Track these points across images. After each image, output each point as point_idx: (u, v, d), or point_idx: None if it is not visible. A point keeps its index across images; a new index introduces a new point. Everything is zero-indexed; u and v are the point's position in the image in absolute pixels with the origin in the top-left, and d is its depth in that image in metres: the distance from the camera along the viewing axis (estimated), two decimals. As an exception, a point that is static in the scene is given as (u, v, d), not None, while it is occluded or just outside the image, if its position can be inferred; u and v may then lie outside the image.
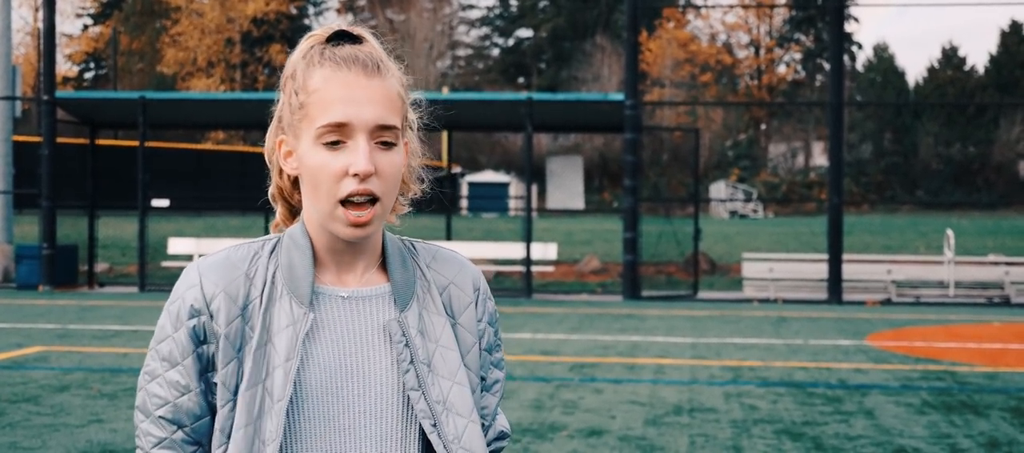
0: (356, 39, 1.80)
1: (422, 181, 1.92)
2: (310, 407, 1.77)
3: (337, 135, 1.73)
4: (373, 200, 1.75)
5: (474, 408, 1.84)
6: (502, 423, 1.98)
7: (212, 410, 1.81)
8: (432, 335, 1.83)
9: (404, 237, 1.92)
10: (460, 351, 1.86)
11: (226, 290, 1.78)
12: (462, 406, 1.82)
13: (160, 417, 1.80)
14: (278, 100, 1.85)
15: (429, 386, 1.80)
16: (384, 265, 1.86)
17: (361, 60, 1.76)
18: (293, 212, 1.90)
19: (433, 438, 1.79)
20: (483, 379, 1.93)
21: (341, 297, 1.81)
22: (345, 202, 1.74)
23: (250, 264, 1.81)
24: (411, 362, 1.79)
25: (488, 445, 1.96)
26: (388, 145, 1.76)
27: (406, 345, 1.80)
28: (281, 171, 1.86)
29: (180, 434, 1.80)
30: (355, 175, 1.72)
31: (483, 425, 1.94)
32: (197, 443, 1.82)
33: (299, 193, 1.85)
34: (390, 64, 1.81)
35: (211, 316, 1.78)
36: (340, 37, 1.80)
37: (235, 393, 1.77)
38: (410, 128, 1.86)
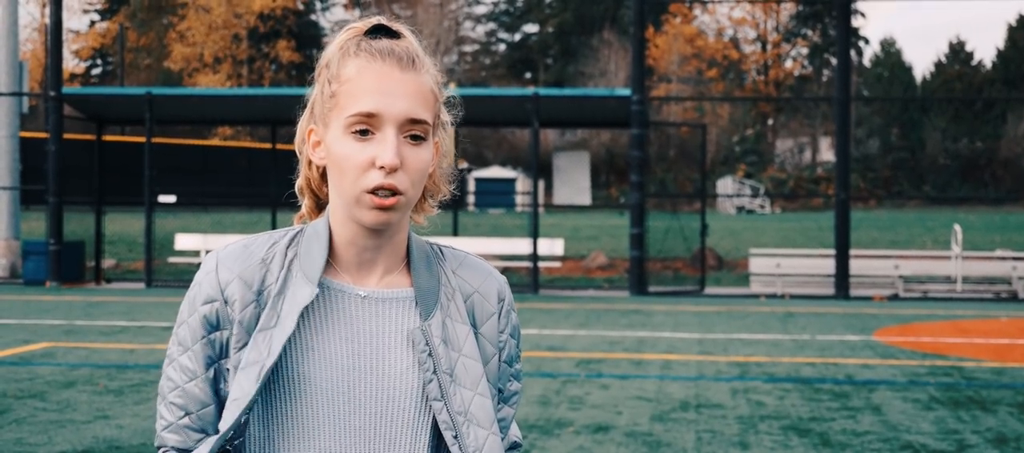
0: (394, 34, 1.79)
1: (453, 182, 1.91)
2: (319, 403, 1.76)
3: (366, 125, 1.72)
4: (397, 193, 1.74)
5: (494, 419, 1.83)
6: (515, 433, 1.98)
7: (218, 399, 1.81)
8: (455, 344, 1.82)
9: (431, 241, 1.91)
10: (481, 361, 1.85)
11: (241, 276, 1.78)
12: (483, 417, 1.81)
13: (171, 401, 1.82)
14: (312, 90, 1.84)
15: (451, 396, 1.79)
16: (408, 268, 1.85)
17: (397, 53, 1.75)
18: (320, 205, 1.89)
19: (454, 450, 1.78)
20: (501, 391, 1.92)
21: (359, 296, 1.80)
22: (370, 192, 1.73)
23: (267, 251, 1.81)
24: (434, 372, 1.78)
25: None
26: (417, 139, 1.75)
27: (430, 355, 1.78)
28: (310, 162, 1.85)
29: (186, 420, 1.81)
30: (381, 167, 1.71)
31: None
32: (202, 431, 1.81)
33: (326, 185, 1.85)
34: (426, 61, 1.79)
35: (226, 302, 1.78)
36: (378, 31, 1.79)
37: None
38: (442, 128, 1.85)
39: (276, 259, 1.80)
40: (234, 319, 1.78)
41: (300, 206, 1.92)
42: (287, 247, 1.82)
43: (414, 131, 1.74)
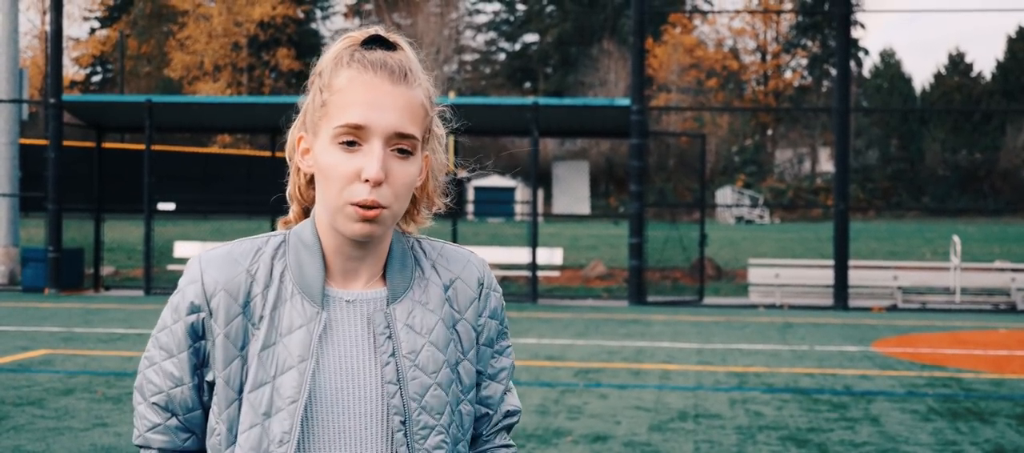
0: (391, 46, 1.79)
1: (447, 195, 1.91)
2: (312, 409, 1.77)
3: (353, 136, 1.72)
4: (380, 207, 1.74)
5: (444, 411, 1.82)
6: (511, 403, 1.98)
7: (203, 405, 1.82)
8: (422, 330, 1.82)
9: (414, 236, 1.91)
10: (462, 348, 1.86)
11: (226, 288, 1.78)
12: (436, 405, 1.81)
13: (154, 403, 1.83)
14: (305, 97, 1.84)
15: (408, 381, 1.79)
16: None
17: (389, 66, 1.75)
18: (307, 212, 1.90)
19: (398, 435, 1.77)
20: (481, 373, 1.92)
21: (345, 301, 1.81)
22: (353, 204, 1.74)
23: (252, 260, 1.81)
24: (392, 355, 1.79)
25: (497, 424, 1.96)
26: (404, 153, 1.75)
27: (389, 338, 1.79)
28: (298, 169, 1.86)
29: (174, 421, 1.83)
30: (366, 181, 1.72)
31: (487, 414, 1.94)
32: (190, 431, 1.84)
33: (312, 191, 1.85)
34: (420, 75, 1.79)
35: (210, 313, 1.78)
36: (375, 41, 1.79)
37: (240, 392, 1.77)
38: (437, 141, 1.85)
39: (261, 270, 1.80)
40: (218, 332, 1.78)
41: (288, 211, 1.92)
42: (273, 256, 1.82)
43: (401, 145, 1.74)
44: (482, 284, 1.91)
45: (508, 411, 1.98)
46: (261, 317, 1.78)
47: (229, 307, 1.78)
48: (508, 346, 1.98)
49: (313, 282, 1.78)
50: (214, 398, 1.79)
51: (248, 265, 1.80)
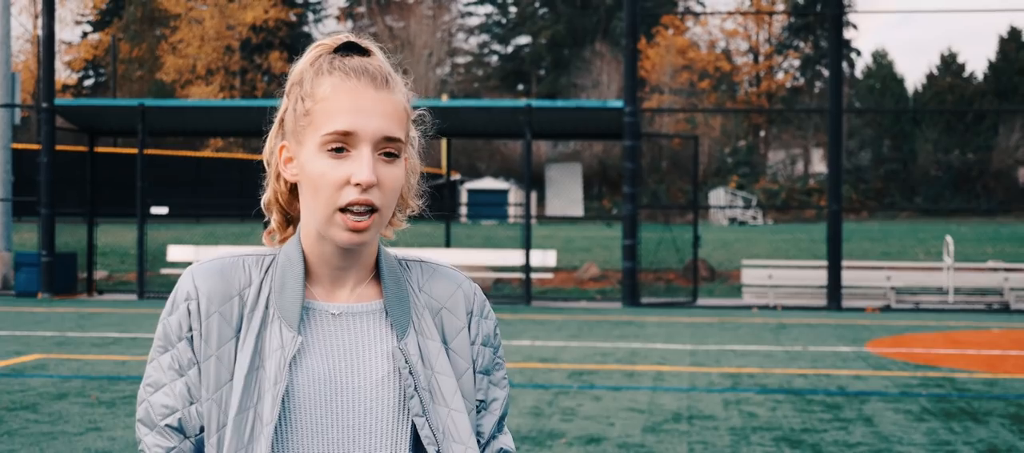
0: (364, 51, 1.81)
1: (422, 197, 1.92)
2: (298, 420, 1.76)
3: (342, 143, 1.73)
4: (372, 210, 1.75)
5: (472, 433, 1.83)
6: (503, 442, 1.95)
7: None
8: (429, 362, 1.82)
9: (400, 256, 1.91)
10: (454, 376, 1.85)
11: (220, 311, 1.78)
12: (459, 432, 1.81)
13: (167, 426, 1.79)
14: (281, 105, 1.84)
15: (430, 413, 1.79)
16: (377, 279, 1.85)
17: (370, 72, 1.77)
18: (288, 219, 1.89)
19: None
20: (482, 400, 1.91)
21: (332, 314, 1.81)
22: (344, 210, 1.74)
23: (243, 284, 1.80)
24: (415, 389, 1.79)
25: None
26: (391, 157, 1.76)
27: (410, 373, 1.79)
28: (279, 177, 1.85)
29: (188, 444, 1.79)
30: (357, 185, 1.72)
31: (479, 442, 1.91)
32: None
33: (297, 201, 1.85)
34: (397, 78, 1.81)
35: (202, 334, 1.77)
36: (348, 48, 1.80)
37: (227, 416, 1.76)
38: (411, 143, 1.86)
39: (251, 294, 1.80)
40: (209, 354, 1.77)
41: (268, 222, 1.91)
42: (261, 280, 1.81)
43: (388, 149, 1.75)
44: (470, 312, 1.90)
45: (501, 449, 1.94)
46: (246, 341, 1.77)
47: (221, 330, 1.77)
48: (503, 378, 1.95)
49: (291, 306, 1.78)
50: (205, 417, 1.78)
51: (240, 289, 1.80)
